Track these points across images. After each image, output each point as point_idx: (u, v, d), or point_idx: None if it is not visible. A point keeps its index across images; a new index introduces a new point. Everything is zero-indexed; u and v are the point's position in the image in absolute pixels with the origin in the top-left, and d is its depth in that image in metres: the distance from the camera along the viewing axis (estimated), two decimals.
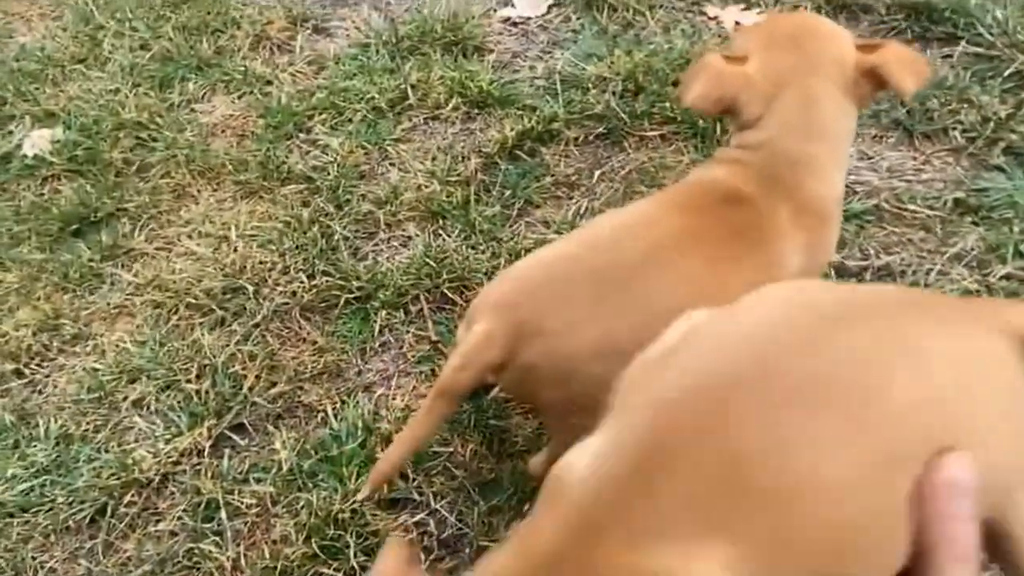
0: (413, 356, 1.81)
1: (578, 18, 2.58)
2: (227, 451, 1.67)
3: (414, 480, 1.61)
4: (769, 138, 1.34)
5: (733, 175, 1.36)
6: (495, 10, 2.65)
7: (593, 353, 1.23)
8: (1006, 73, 2.17)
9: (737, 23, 2.47)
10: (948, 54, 2.29)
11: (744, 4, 2.52)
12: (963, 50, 2.27)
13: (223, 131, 2.36)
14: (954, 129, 2.10)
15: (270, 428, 1.69)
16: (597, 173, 2.13)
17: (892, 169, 2.06)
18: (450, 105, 2.31)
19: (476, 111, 2.30)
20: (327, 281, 1.92)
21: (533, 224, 2.03)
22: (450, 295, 1.88)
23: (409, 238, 2.03)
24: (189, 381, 1.76)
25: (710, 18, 2.51)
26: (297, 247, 2.01)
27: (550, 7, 2.63)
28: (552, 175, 2.13)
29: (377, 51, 2.51)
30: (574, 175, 2.13)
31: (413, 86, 2.37)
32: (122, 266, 2.02)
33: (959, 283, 1.81)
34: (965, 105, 2.14)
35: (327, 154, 2.23)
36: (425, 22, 2.56)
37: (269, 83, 2.47)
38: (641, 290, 1.25)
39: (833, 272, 1.82)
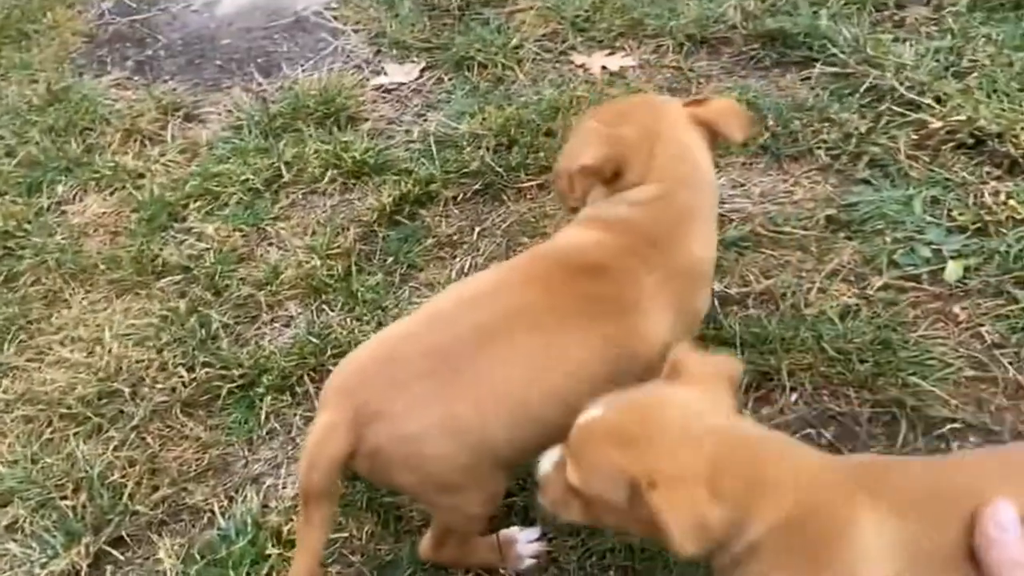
0: (302, 440, 1.74)
1: (450, 79, 2.59)
2: (108, 568, 1.58)
3: None
4: (663, 192, 1.35)
5: (599, 242, 1.35)
6: (368, 79, 2.65)
7: (438, 432, 1.22)
8: (862, 89, 2.24)
9: (604, 67, 2.51)
10: (807, 76, 2.36)
11: (609, 50, 2.57)
12: (820, 71, 2.35)
13: (95, 230, 2.29)
14: (819, 148, 2.15)
15: (153, 537, 1.61)
16: (478, 230, 2.12)
17: (764, 194, 2.10)
18: (326, 178, 2.28)
19: (353, 181, 2.28)
20: (208, 372, 1.86)
21: (417, 288, 2.00)
22: None
23: (292, 317, 1.98)
24: (65, 497, 1.67)
25: (577, 66, 2.54)
26: (175, 340, 1.94)
27: (422, 71, 2.64)
28: (434, 236, 2.12)
29: (250, 131, 2.48)
30: (455, 234, 2.12)
31: (288, 163, 2.34)
32: None
33: (839, 298, 1.83)
34: (827, 124, 2.20)
35: (203, 241, 2.17)
36: (297, 98, 2.54)
37: (141, 176, 2.41)
38: (481, 367, 1.24)
39: (717, 302, 1.83)
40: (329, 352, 1.85)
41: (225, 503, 1.65)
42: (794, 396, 1.69)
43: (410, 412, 1.22)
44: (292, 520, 1.59)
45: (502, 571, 1.49)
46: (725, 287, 1.89)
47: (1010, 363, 1.66)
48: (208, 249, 2.14)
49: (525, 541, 1.51)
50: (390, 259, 2.07)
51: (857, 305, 1.82)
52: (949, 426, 1.59)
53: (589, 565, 1.49)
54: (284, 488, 1.67)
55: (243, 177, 2.32)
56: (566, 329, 1.27)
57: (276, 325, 1.98)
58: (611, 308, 1.29)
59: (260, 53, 2.84)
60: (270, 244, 2.17)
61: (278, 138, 2.44)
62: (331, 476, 1.25)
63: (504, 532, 1.51)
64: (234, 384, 1.83)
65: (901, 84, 2.21)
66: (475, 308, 1.30)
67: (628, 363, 1.29)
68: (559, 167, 1.43)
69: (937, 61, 2.25)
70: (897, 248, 1.90)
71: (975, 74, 2.19)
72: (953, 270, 1.83)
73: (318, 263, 2.06)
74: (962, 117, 2.07)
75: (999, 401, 1.62)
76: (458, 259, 2.06)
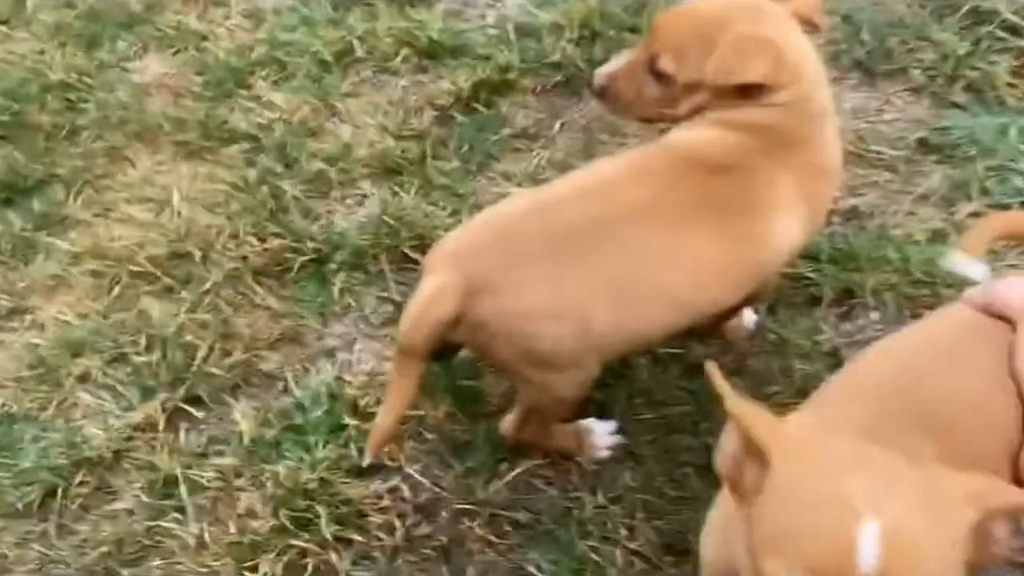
0: (376, 319, 1.73)
1: None
2: (183, 425, 1.58)
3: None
4: (799, 94, 1.29)
5: (730, 142, 1.29)
6: None
7: (546, 313, 1.22)
8: (964, 9, 2.15)
9: None
10: None
11: None
12: None
13: (158, 90, 2.22)
14: (914, 68, 2.08)
15: (228, 399, 1.61)
16: (557, 124, 2.06)
17: (855, 110, 2.03)
18: (399, 56, 2.21)
19: (427, 62, 2.21)
20: (279, 243, 1.83)
21: (494, 178, 1.96)
22: (411, 254, 1.80)
23: (364, 196, 1.94)
24: (138, 354, 1.66)
25: None
26: (245, 209, 1.90)
27: None
28: (510, 127, 2.06)
29: (319, 2, 2.38)
30: (533, 127, 2.06)
31: (359, 38, 2.26)
32: (58, 235, 1.89)
33: (927, 222, 1.80)
34: (924, 43, 2.12)
35: (271, 111, 2.11)
36: None
37: (205, 38, 2.33)
38: (595, 255, 1.23)
39: None
40: (404, 234, 1.82)
41: (299, 373, 1.64)
42: (876, 315, 1.67)
43: (521, 289, 1.22)
44: (368, 394, 1.59)
45: (578, 459, 1.49)
46: None
47: None
48: (277, 119, 2.09)
49: (603, 432, 1.51)
50: (465, 146, 2.01)
51: (945, 229, 1.78)
52: None
53: (666, 460, 1.49)
54: (359, 364, 1.66)
55: (312, 48, 2.24)
56: (688, 227, 1.25)
57: (349, 202, 1.94)
58: (740, 210, 1.26)
59: None
60: (341, 120, 2.11)
61: (348, 11, 2.35)
62: (432, 338, 1.25)
63: (582, 422, 1.51)
64: (306, 258, 1.80)
65: (1006, 8, 2.12)
66: (593, 198, 1.28)
67: (751, 268, 1.27)
68: (683, 76, 1.31)
69: None
70: (989, 176, 1.85)
71: None
72: None
73: (392, 143, 2.01)
74: None
75: None
76: (535, 153, 2.00)
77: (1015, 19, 2.10)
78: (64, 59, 2.27)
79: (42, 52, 2.28)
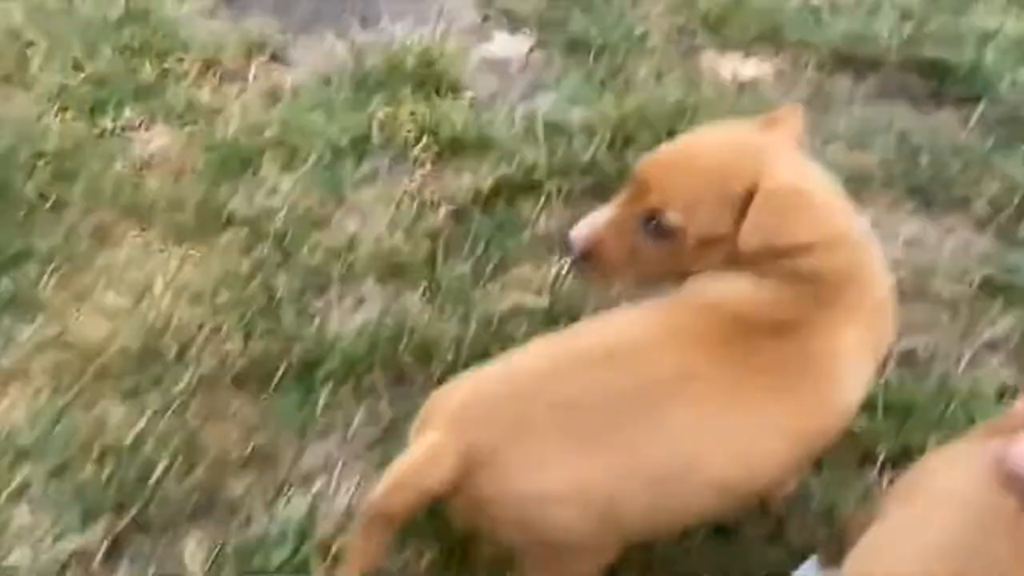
0: (362, 441, 1.53)
1: (563, 59, 2.35)
2: (126, 555, 1.36)
3: None
4: (836, 229, 1.11)
5: (777, 295, 1.09)
6: (472, 47, 2.41)
7: (564, 498, 1.01)
8: None
9: (734, 73, 2.26)
10: (966, 116, 2.10)
11: (743, 54, 2.32)
12: (983, 111, 2.09)
13: (159, 165, 2.07)
14: (977, 199, 1.90)
15: (181, 528, 1.39)
16: None
17: (910, 241, 1.84)
18: (419, 146, 2.05)
19: (448, 154, 2.05)
20: (265, 345, 1.64)
21: (509, 285, 1.77)
22: (410, 367, 1.61)
23: (364, 298, 1.75)
24: (88, 464, 1.46)
25: (706, 67, 2.30)
26: (233, 302, 1.72)
27: (532, 47, 2.41)
28: (532, 230, 1.88)
29: (340, 84, 2.26)
30: (557, 232, 1.88)
31: (379, 124, 2.11)
32: (23, 319, 1.70)
33: (995, 375, 1.58)
34: (988, 173, 1.94)
35: (276, 196, 1.95)
36: (395, 55, 2.31)
37: (216, 113, 2.19)
38: (626, 430, 1.02)
39: None
40: (404, 343, 1.63)
41: (269, 499, 1.43)
42: None
43: (536, 468, 1.01)
44: (344, 534, 1.37)
45: None
46: None
47: None
48: (281, 206, 1.92)
49: None
50: (480, 247, 1.84)
51: (1016, 387, 1.57)
52: None
53: None
54: (336, 495, 1.45)
55: (328, 133, 2.09)
56: (736, 402, 1.04)
57: (347, 302, 1.75)
58: (803, 372, 1.05)
59: (360, 1, 2.61)
60: (349, 211, 1.95)
61: (371, 95, 2.21)
62: (415, 506, 1.04)
63: None
64: (292, 362, 1.61)
65: None
66: (624, 362, 1.07)
67: (816, 439, 1.06)
68: (695, 231, 1.11)
69: None
70: None
71: None
72: None
73: (401, 240, 1.83)
74: None
75: None
76: (557, 260, 1.82)
77: None
78: (63, 125, 2.13)
79: (40, 117, 2.14)
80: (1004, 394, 1.55)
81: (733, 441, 1.03)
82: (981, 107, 2.09)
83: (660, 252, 1.13)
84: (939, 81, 2.19)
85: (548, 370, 1.07)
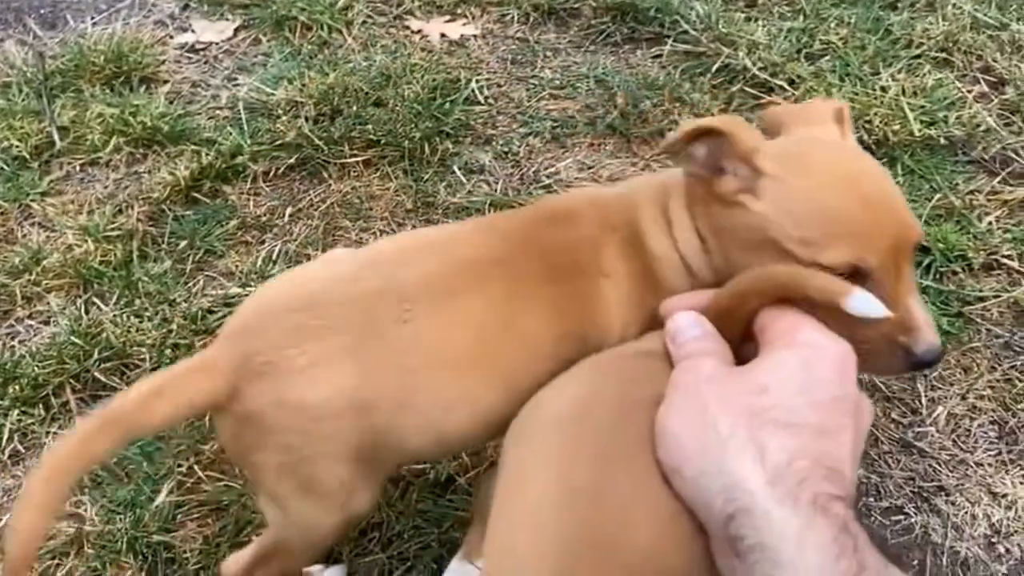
0: None
1: (268, 40, 2.27)
2: None
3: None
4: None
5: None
6: (171, 36, 2.29)
7: (338, 406, 0.93)
8: (714, 68, 2.11)
9: (443, 35, 2.27)
10: (657, 54, 2.20)
11: (449, 16, 2.33)
12: (671, 48, 2.19)
13: None
14: (670, 129, 1.99)
15: None
16: (291, 210, 1.82)
17: (613, 177, 1.91)
18: (110, 146, 1.92)
19: (143, 151, 1.93)
20: None
21: (214, 278, 1.69)
22: (105, 379, 1.50)
23: (53, 314, 1.62)
24: None
25: (414, 32, 2.29)
26: None
27: (236, 30, 2.31)
28: (239, 217, 1.81)
29: (20, 91, 2.08)
30: (265, 215, 1.82)
31: (63, 128, 1.96)
32: None
33: None
34: (678, 104, 2.05)
35: None
36: (81, 54, 2.15)
37: None
38: (409, 331, 0.96)
39: None
40: (97, 356, 1.52)
41: None
42: None
43: (312, 372, 0.93)
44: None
45: None
46: None
47: None
48: None
49: None
50: (183, 243, 1.74)
51: None
52: None
53: None
54: None
55: (5, 143, 1.92)
56: (520, 292, 1.00)
57: (33, 323, 1.62)
58: (569, 312, 1.01)
59: (43, 3, 2.42)
60: (35, 224, 1.80)
61: (55, 99, 2.05)
62: (173, 419, 0.94)
63: (305, 569, 1.24)
64: None
65: (754, 65, 2.09)
66: (417, 257, 1.02)
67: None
68: None
69: (790, 42, 2.15)
70: None
71: (827, 56, 2.10)
72: None
73: (91, 247, 1.71)
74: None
75: None
76: (267, 245, 1.76)
77: (764, 76, 2.07)
78: None
79: None
80: None
81: (494, 356, 0.98)
82: (669, 44, 2.20)
83: None
84: (633, 23, 2.29)
85: (339, 272, 1.01)
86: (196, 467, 1.39)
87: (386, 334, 0.95)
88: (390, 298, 0.97)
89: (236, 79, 2.15)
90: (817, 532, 0.63)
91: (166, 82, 2.14)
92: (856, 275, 0.87)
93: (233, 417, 0.96)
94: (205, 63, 2.22)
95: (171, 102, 2.07)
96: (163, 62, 2.20)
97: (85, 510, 1.34)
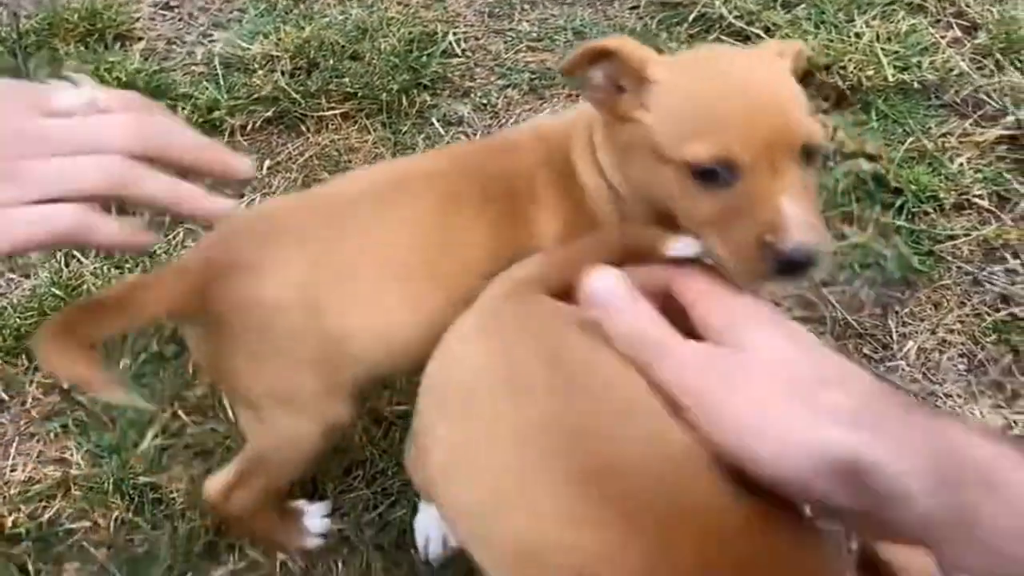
0: (39, 412, 1.43)
1: None
2: None
3: (39, 572, 1.24)
4: None
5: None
6: None
7: (289, 301, 0.99)
8: (691, 18, 2.11)
9: None
10: (634, 5, 2.21)
11: None
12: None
13: None
14: None
15: None
16: (269, 163, 1.83)
17: None
18: None
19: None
20: None
21: (192, 231, 1.70)
22: None
23: (34, 266, 1.63)
24: None
25: None
26: None
27: None
28: None
29: None
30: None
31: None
32: None
33: None
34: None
35: None
36: (55, 13, 2.13)
37: None
38: (352, 230, 1.02)
39: None
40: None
41: None
42: None
43: (266, 270, 0.98)
44: (20, 509, 1.28)
45: (282, 556, 1.24)
46: None
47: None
48: None
49: (315, 515, 1.27)
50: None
51: None
52: None
53: (387, 544, 1.27)
54: (13, 471, 1.35)
55: None
56: (460, 210, 1.05)
57: (14, 276, 1.62)
58: (500, 237, 1.05)
59: None
60: None
61: (29, 58, 2.04)
62: (156, 315, 0.98)
63: (291, 503, 1.27)
64: None
65: (730, 13, 2.09)
66: (373, 171, 1.14)
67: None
68: None
69: None
70: None
71: (803, 4, 2.10)
72: None
73: None
74: None
75: None
76: (245, 197, 1.77)
77: (740, 24, 2.08)
78: None
79: None
80: None
81: (434, 264, 1.03)
82: None
83: None
84: None
85: (292, 197, 1.15)
86: (180, 412, 1.41)
87: (331, 238, 1.01)
88: (339, 205, 1.04)
89: (211, 35, 2.14)
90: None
91: (141, 39, 2.13)
92: (726, 170, 0.85)
93: (204, 327, 1.02)
94: (180, 20, 2.21)
95: (146, 59, 2.06)
96: (137, 19, 2.18)
97: (71, 455, 1.36)
